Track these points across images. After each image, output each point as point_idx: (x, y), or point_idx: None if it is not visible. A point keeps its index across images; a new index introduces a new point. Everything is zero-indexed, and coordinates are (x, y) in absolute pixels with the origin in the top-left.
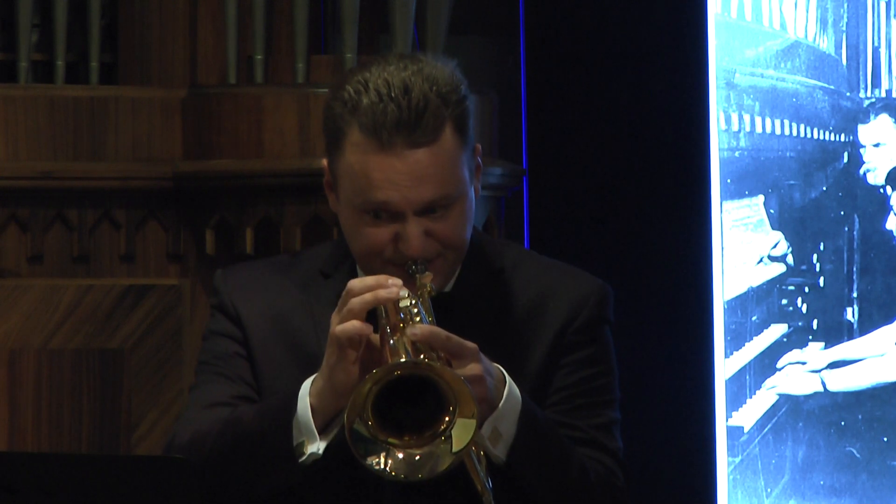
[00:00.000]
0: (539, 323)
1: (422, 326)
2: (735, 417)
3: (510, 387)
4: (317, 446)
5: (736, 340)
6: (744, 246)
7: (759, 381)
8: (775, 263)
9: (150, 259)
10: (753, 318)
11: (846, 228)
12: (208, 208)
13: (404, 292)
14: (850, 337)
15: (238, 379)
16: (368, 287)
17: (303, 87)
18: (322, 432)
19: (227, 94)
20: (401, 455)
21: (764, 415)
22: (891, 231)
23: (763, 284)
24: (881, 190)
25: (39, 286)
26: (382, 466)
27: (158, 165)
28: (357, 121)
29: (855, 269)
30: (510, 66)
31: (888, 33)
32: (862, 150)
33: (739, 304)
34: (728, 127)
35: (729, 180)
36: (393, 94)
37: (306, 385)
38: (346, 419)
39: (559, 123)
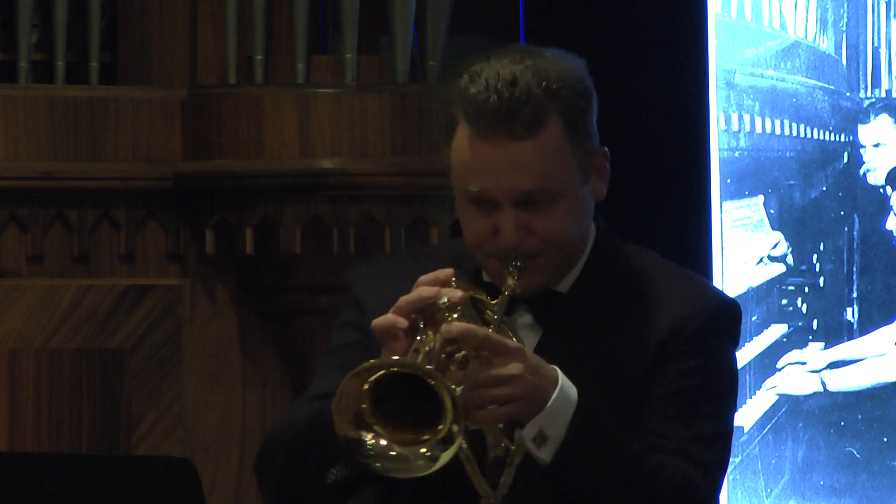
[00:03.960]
0: (648, 330)
1: (458, 324)
2: (735, 417)
3: (562, 389)
4: None
5: None
6: (744, 246)
7: (759, 382)
8: (775, 263)
9: (150, 259)
10: (753, 318)
11: (846, 228)
12: (208, 208)
13: (450, 293)
14: (850, 337)
15: (351, 369)
16: (428, 282)
17: (303, 87)
18: None
19: (227, 95)
20: (383, 442)
21: (764, 415)
22: (891, 231)
23: (763, 284)
24: (881, 190)
25: (39, 286)
26: (364, 450)
27: (158, 165)
28: (463, 109)
29: (855, 269)
30: None
31: (888, 33)
32: (862, 150)
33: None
34: (728, 127)
35: (729, 180)
36: (499, 86)
37: None
38: (337, 394)
39: None
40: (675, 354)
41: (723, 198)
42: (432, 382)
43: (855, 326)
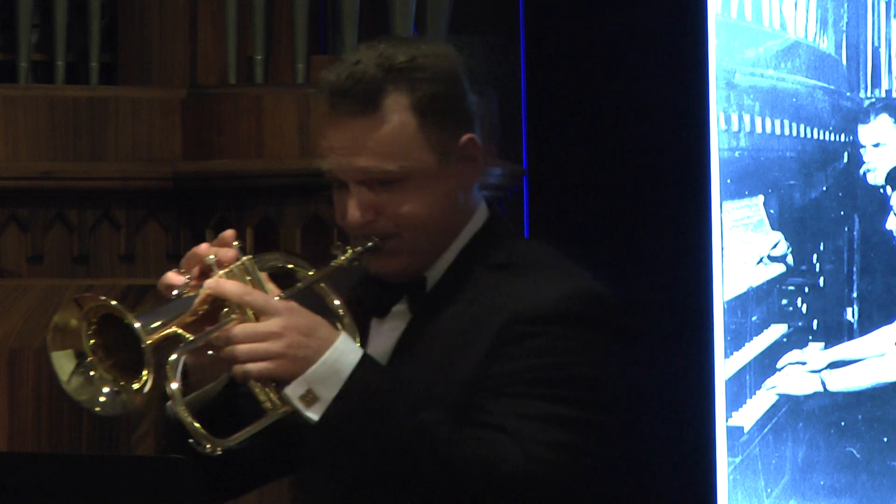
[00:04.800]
0: (499, 316)
1: (212, 279)
2: (735, 417)
3: (337, 350)
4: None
5: (736, 340)
6: (744, 246)
7: (759, 382)
8: (775, 263)
9: (150, 259)
10: (753, 319)
11: (846, 228)
12: (208, 208)
13: (221, 252)
14: (850, 337)
15: None
16: (212, 243)
17: (303, 87)
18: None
19: (227, 95)
20: (88, 360)
21: (764, 415)
22: (891, 231)
23: (763, 284)
24: (881, 190)
25: (39, 286)
26: (67, 359)
27: (158, 165)
28: (320, 87)
29: (855, 269)
30: (510, 66)
31: (888, 33)
32: (862, 150)
33: (739, 305)
34: (728, 127)
35: (729, 180)
36: (341, 66)
37: None
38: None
39: (559, 123)
40: (516, 336)
41: (723, 198)
42: (142, 343)
43: (855, 326)
